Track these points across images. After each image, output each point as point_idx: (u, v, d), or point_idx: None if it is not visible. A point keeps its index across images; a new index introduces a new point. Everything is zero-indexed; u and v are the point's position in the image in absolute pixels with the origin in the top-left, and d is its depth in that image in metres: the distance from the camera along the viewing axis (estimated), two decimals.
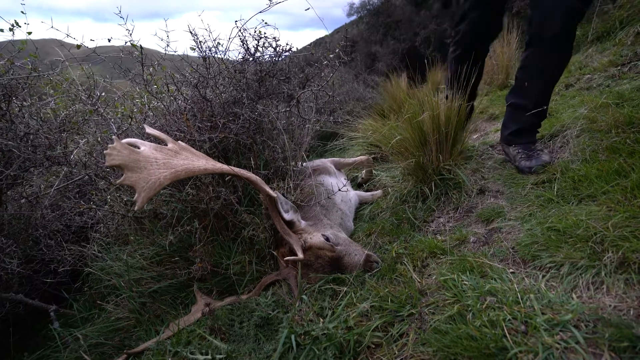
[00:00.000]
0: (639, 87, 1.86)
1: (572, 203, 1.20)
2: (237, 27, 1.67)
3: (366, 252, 1.28)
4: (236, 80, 1.64)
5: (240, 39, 1.67)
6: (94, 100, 1.42)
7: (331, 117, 1.94)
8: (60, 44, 1.62)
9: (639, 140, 1.21)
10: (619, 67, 2.38)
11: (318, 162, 1.99)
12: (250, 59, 1.70)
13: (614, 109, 1.45)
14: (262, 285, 1.32)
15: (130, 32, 1.52)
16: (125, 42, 1.38)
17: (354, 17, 9.40)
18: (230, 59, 1.78)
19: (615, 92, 1.87)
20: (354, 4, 7.31)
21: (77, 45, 1.32)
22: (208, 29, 1.51)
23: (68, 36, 1.50)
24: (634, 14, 2.86)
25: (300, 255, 1.23)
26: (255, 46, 1.72)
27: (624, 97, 1.71)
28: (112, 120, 1.47)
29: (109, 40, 1.29)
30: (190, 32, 1.48)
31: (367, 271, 1.25)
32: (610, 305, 0.80)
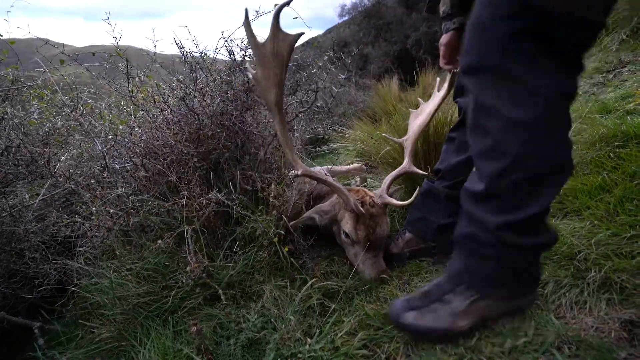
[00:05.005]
0: (622, 95, 1.89)
1: (558, 217, 1.21)
2: (224, 37, 1.66)
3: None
4: (223, 92, 1.62)
5: (227, 49, 1.66)
6: (77, 115, 1.39)
7: (319, 127, 1.94)
8: (47, 43, 1.57)
9: (621, 156, 1.23)
10: (604, 74, 2.42)
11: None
12: (237, 70, 1.68)
13: (598, 121, 1.47)
14: (316, 177, 1.29)
15: (118, 39, 1.50)
16: (111, 55, 1.35)
17: (345, 18, 9.41)
18: (217, 67, 1.77)
19: (600, 101, 1.91)
20: (345, 5, 7.31)
21: (61, 60, 1.29)
22: (195, 42, 1.49)
23: (47, 43, 1.47)
24: (619, 20, 2.91)
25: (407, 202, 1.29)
26: (243, 56, 1.71)
27: (608, 107, 1.74)
28: (96, 136, 1.44)
29: (94, 55, 1.27)
30: (176, 45, 1.46)
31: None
32: (592, 327, 0.81)
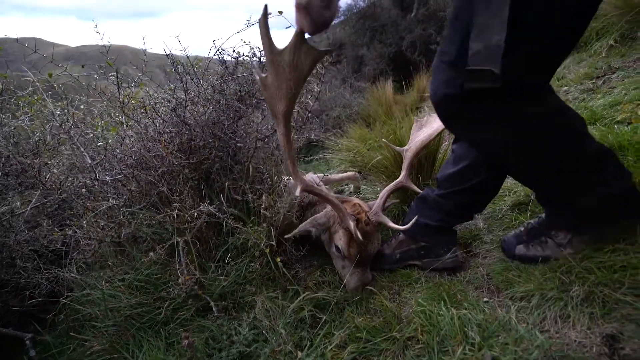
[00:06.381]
0: (610, 103, 1.92)
1: None
2: (215, 46, 1.66)
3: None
4: (215, 101, 1.62)
5: (219, 59, 1.66)
6: (67, 128, 1.39)
7: (312, 135, 1.94)
8: (35, 52, 1.55)
9: None
10: (593, 80, 2.45)
11: (306, 177, 1.98)
12: (229, 79, 1.68)
13: None
14: (316, 192, 1.26)
15: (107, 48, 1.49)
16: (101, 66, 1.35)
17: (341, 18, 9.41)
18: (211, 73, 1.76)
19: (588, 108, 1.93)
20: (340, 7, 7.30)
21: (49, 73, 1.28)
22: (185, 51, 1.49)
23: (36, 51, 1.46)
24: (608, 25, 2.94)
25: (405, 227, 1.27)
26: (235, 65, 1.71)
27: (596, 115, 1.77)
28: (87, 148, 1.44)
29: (83, 66, 1.26)
30: (167, 56, 1.46)
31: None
32: (575, 341, 0.83)
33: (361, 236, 1.22)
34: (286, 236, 1.33)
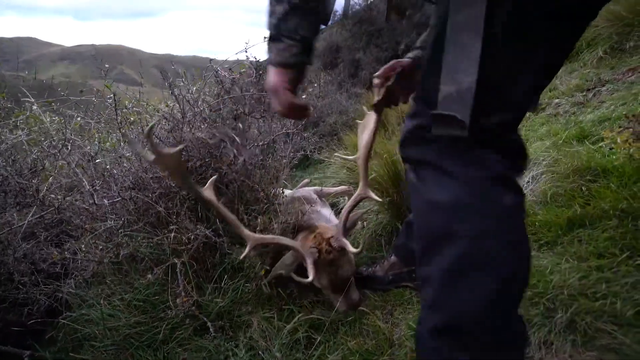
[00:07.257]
0: (599, 118, 1.96)
1: (533, 249, 1.27)
2: (212, 65, 1.68)
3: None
4: (212, 120, 1.65)
5: (216, 78, 1.68)
6: (65, 155, 1.41)
7: (308, 151, 1.98)
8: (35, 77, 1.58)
9: (593, 193, 1.29)
10: (584, 93, 2.49)
11: (301, 191, 2.01)
12: (226, 97, 1.70)
13: (573, 153, 1.53)
14: (268, 242, 1.28)
15: (106, 72, 1.52)
16: (98, 90, 1.37)
17: (337, 20, 9.42)
18: (206, 95, 1.79)
19: (578, 124, 1.97)
20: (336, 11, 7.35)
21: (49, 100, 1.30)
22: (183, 75, 1.51)
23: (35, 79, 1.49)
24: (599, 37, 2.98)
25: (357, 250, 1.27)
26: (231, 84, 1.74)
27: (585, 132, 1.81)
28: (85, 170, 1.46)
29: (81, 91, 1.28)
30: (164, 77, 1.48)
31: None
32: None
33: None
34: (262, 282, 1.35)
